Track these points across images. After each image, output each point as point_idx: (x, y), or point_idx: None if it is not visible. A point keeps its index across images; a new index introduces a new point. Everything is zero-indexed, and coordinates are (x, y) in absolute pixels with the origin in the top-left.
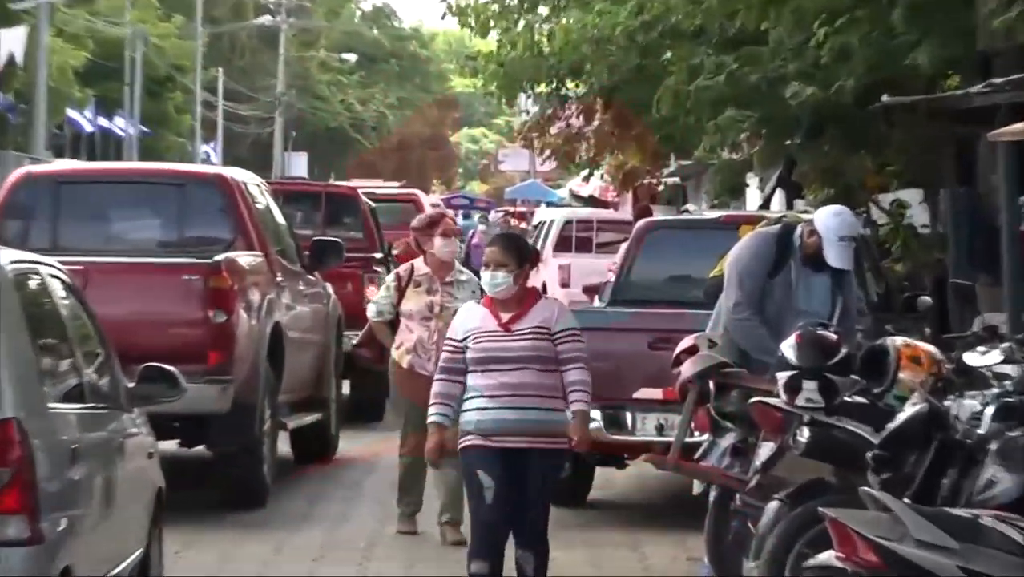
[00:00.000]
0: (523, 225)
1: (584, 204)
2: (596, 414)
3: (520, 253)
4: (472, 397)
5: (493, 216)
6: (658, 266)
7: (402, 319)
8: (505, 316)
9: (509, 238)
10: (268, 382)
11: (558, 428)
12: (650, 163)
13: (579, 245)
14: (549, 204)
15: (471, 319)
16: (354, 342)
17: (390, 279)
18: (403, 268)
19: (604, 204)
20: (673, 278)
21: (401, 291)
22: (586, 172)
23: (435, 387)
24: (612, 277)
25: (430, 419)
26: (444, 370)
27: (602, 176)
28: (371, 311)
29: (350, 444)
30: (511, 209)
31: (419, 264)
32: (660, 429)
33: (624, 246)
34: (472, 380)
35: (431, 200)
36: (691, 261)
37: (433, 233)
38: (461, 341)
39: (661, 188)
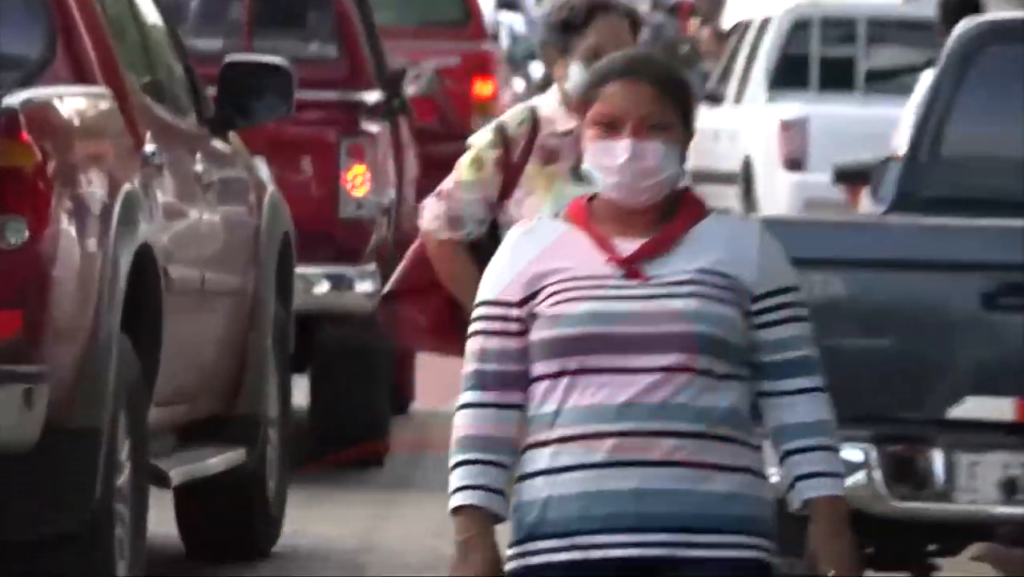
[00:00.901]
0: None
1: None
2: (860, 453)
3: (687, 99)
4: (545, 443)
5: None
6: (1002, 122)
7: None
8: (627, 247)
9: (664, 67)
10: (126, 380)
11: (751, 519)
12: None
13: (828, 76)
14: None
15: (545, 253)
16: (387, 288)
17: (483, 140)
18: (514, 114)
19: None
20: None
21: (510, 169)
22: None
23: (464, 419)
24: (899, 149)
25: (457, 501)
26: (482, 379)
27: None
28: (432, 217)
29: (315, 520)
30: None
31: (547, 104)
32: (1010, 487)
33: (926, 78)
34: (545, 400)
35: None
36: None
37: (585, 37)
38: (520, 306)
39: None
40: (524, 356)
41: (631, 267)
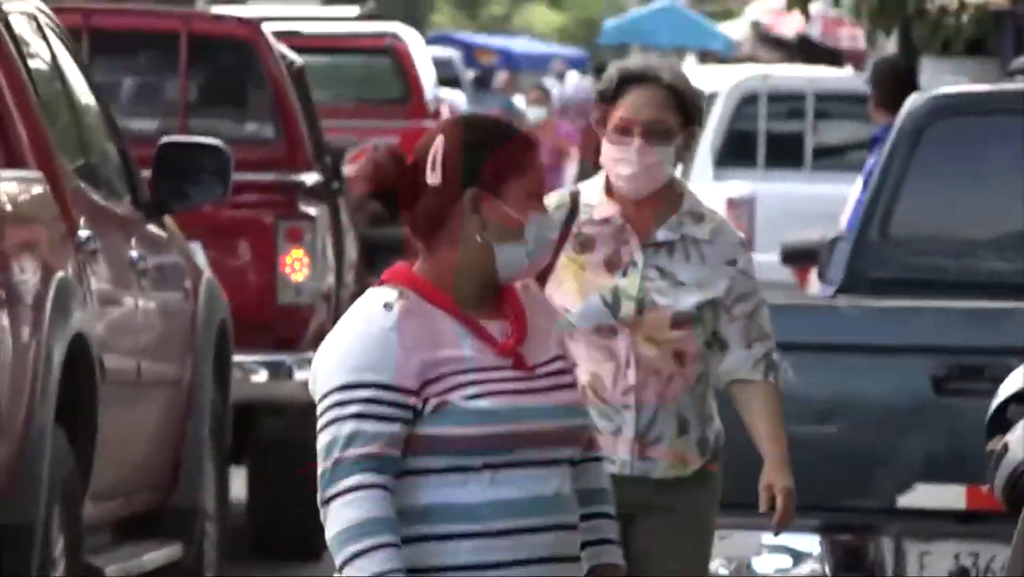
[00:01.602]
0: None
1: (785, 57)
2: (811, 543)
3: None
4: (465, 536)
5: (560, 87)
6: (952, 201)
7: None
8: (491, 329)
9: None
10: (60, 474)
11: None
12: None
13: (775, 152)
14: (705, 57)
15: (425, 338)
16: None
17: None
18: (552, 198)
19: (832, 57)
20: (988, 227)
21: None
22: None
23: (367, 503)
24: (848, 227)
25: None
26: (380, 464)
27: (835, 0)
28: None
29: None
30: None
31: (591, 188)
32: None
33: (875, 157)
34: (458, 492)
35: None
36: None
37: (618, 110)
38: (416, 394)
39: (959, 18)
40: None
41: (516, 356)
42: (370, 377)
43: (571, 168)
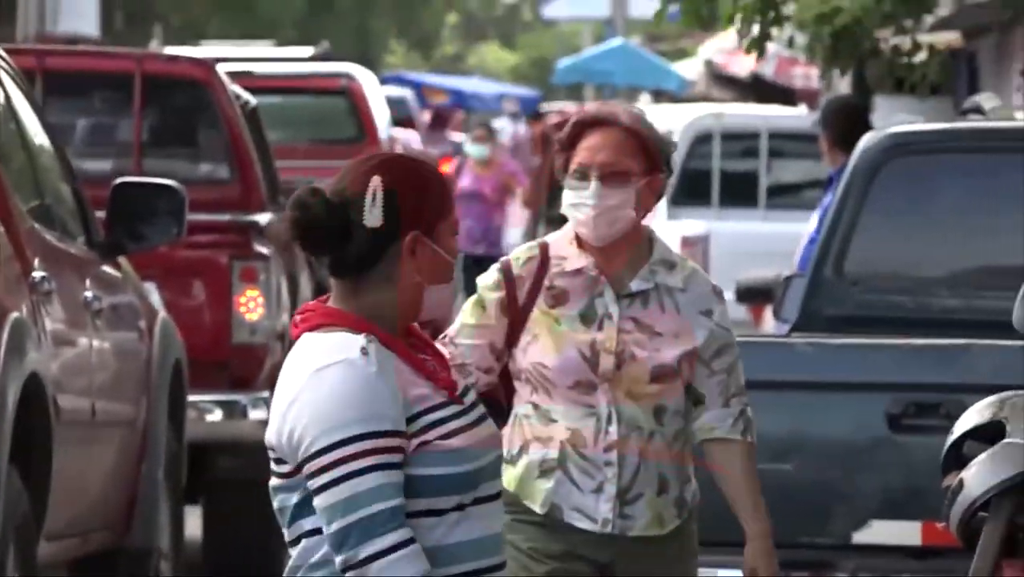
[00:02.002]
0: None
1: (738, 96)
2: None
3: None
4: None
5: (511, 125)
6: (907, 239)
7: (518, 387)
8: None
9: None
10: (14, 514)
11: None
12: (892, 3)
13: (729, 191)
14: (659, 96)
15: (397, 378)
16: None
17: (486, 280)
18: (521, 250)
19: (786, 96)
20: (943, 265)
21: (515, 311)
22: (744, 26)
23: (411, 561)
24: (801, 265)
25: None
26: (398, 516)
27: (790, 42)
28: None
29: None
30: (555, 113)
31: (560, 240)
32: None
33: (831, 196)
34: (427, 535)
35: (385, 89)
36: (986, 226)
37: (576, 155)
38: (406, 434)
39: (917, 59)
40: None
41: (454, 391)
42: (370, 427)
43: (515, 206)
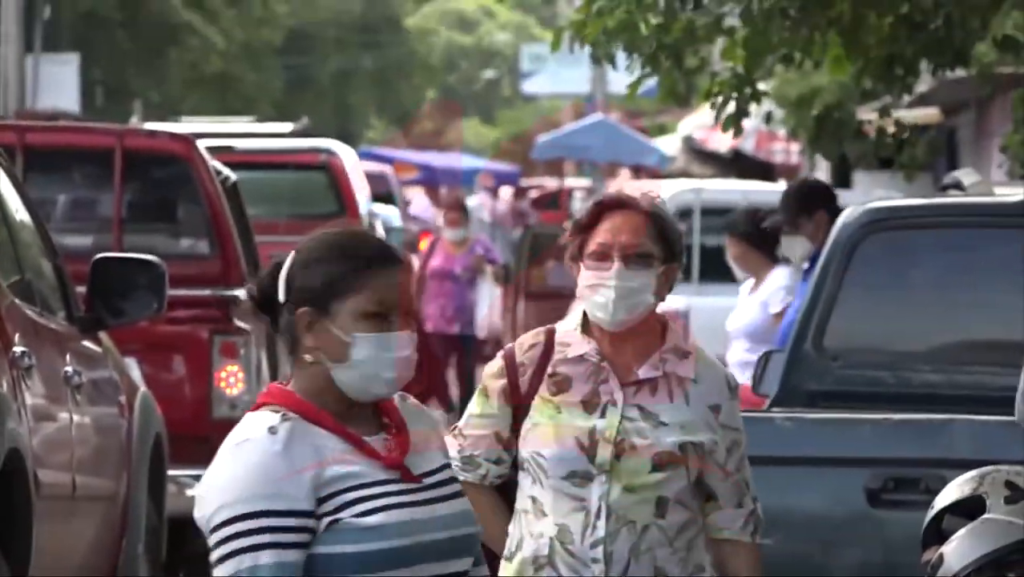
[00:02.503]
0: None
1: (718, 171)
2: None
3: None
4: None
5: (485, 200)
6: (887, 314)
7: (520, 479)
8: (373, 444)
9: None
10: None
11: None
12: (874, 78)
13: (709, 266)
14: (639, 172)
15: (311, 456)
16: None
17: (491, 368)
18: (526, 337)
19: (766, 171)
20: (923, 340)
21: (518, 401)
22: (723, 101)
23: None
24: (783, 338)
25: None
26: None
27: (767, 118)
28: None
29: None
30: (535, 189)
31: (566, 325)
32: None
33: (812, 268)
34: None
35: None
36: (967, 301)
37: (595, 237)
38: (312, 514)
39: (903, 138)
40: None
41: (403, 469)
42: (268, 505)
43: (485, 286)
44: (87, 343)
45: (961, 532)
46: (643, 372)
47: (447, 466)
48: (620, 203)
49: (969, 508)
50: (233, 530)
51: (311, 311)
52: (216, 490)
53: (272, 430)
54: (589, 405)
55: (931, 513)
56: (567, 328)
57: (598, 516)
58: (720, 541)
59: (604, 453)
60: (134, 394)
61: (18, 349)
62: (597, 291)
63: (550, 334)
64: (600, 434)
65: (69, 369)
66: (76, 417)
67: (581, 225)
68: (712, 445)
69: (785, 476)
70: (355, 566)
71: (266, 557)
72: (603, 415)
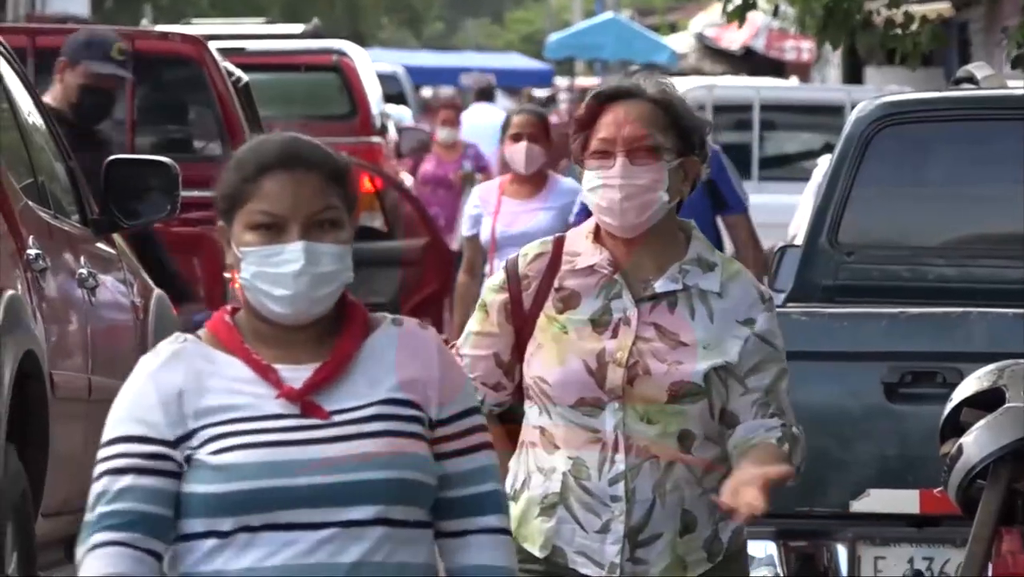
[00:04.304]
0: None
1: (730, 69)
2: (764, 549)
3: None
4: None
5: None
6: (901, 208)
7: (526, 408)
8: (294, 375)
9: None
10: (12, 492)
11: None
12: None
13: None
14: (650, 70)
15: (194, 385)
16: None
17: (492, 280)
18: (531, 246)
19: (777, 68)
20: (937, 233)
21: (521, 319)
22: (733, 0)
23: (102, 561)
24: (796, 235)
25: None
26: (126, 519)
27: (775, 11)
28: None
29: None
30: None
31: (576, 237)
32: None
33: (822, 166)
34: (211, 559)
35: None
36: (980, 195)
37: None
38: (175, 446)
39: (910, 30)
40: (173, 502)
41: (307, 402)
42: (128, 430)
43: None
44: (101, 245)
45: (980, 423)
46: (660, 285)
47: (393, 402)
48: (622, 93)
49: (988, 400)
50: (102, 453)
51: (222, 226)
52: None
53: (156, 353)
54: (599, 323)
55: (949, 406)
56: (576, 236)
57: (616, 448)
58: (747, 451)
59: (615, 377)
60: (149, 295)
61: (32, 251)
62: (601, 193)
63: (559, 243)
64: (610, 356)
65: (83, 271)
66: (91, 318)
67: (582, 121)
68: (735, 361)
69: (802, 371)
70: (202, 508)
71: (115, 482)
72: (614, 334)
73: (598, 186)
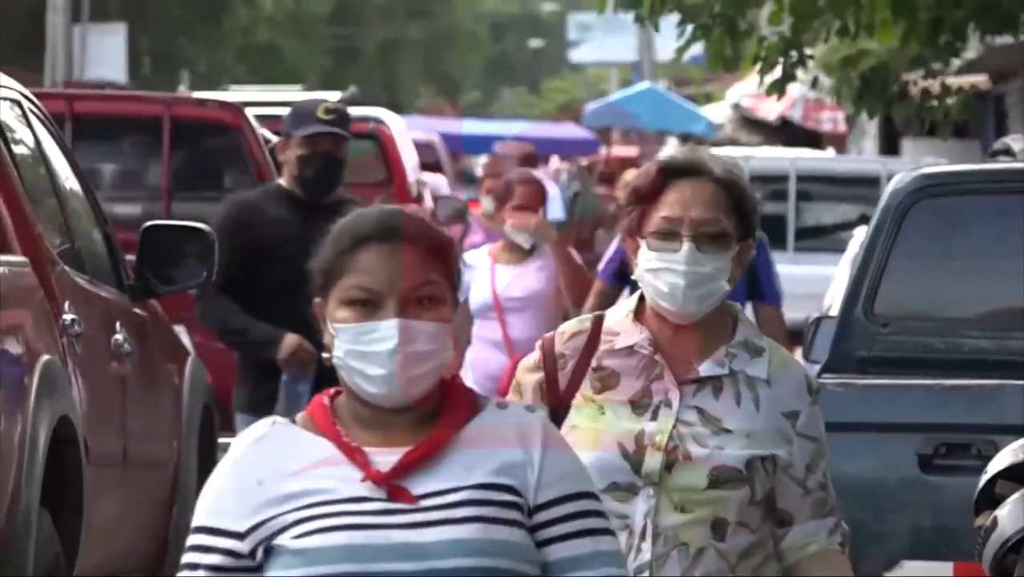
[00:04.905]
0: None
1: (766, 140)
2: None
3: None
4: None
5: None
6: (937, 280)
7: None
8: (386, 460)
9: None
10: (46, 556)
11: None
12: (919, 46)
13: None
14: (686, 140)
15: (280, 470)
16: None
17: (527, 359)
18: (570, 324)
19: (813, 139)
20: (973, 306)
21: (557, 399)
22: (765, 67)
23: None
24: (832, 306)
25: None
26: None
27: (813, 82)
28: None
29: None
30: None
31: (616, 315)
32: None
33: (858, 237)
34: None
35: (413, 133)
36: (1017, 267)
37: (658, 210)
38: (243, 538)
39: (949, 101)
40: None
41: (393, 486)
42: (204, 520)
43: None
44: (137, 311)
45: (1015, 496)
46: (705, 369)
47: (489, 487)
48: (690, 169)
49: (1023, 473)
50: (188, 540)
51: (319, 303)
52: None
53: (242, 439)
54: (638, 405)
55: (984, 478)
56: (617, 314)
57: (643, 537)
58: (808, 559)
59: (652, 462)
60: (183, 361)
61: (68, 316)
62: (662, 276)
63: (597, 321)
64: (649, 439)
65: (119, 337)
66: (126, 385)
67: (641, 193)
68: (788, 459)
69: (837, 443)
70: None
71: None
72: (654, 417)
73: (659, 269)
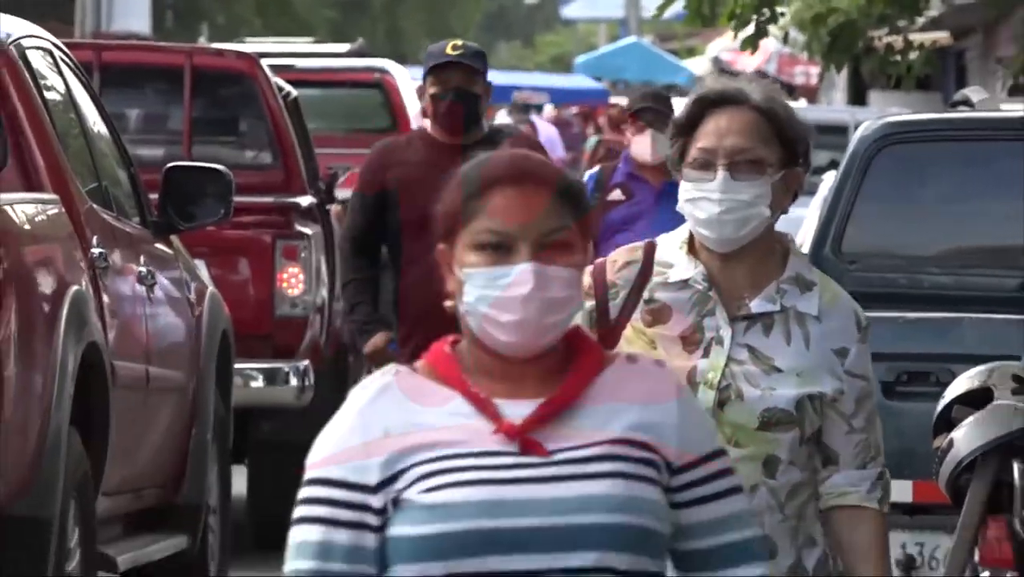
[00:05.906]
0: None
1: None
2: None
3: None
4: None
5: (539, 117)
6: (901, 221)
7: None
8: (516, 411)
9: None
10: (75, 472)
11: None
12: (884, 4)
13: None
14: (670, 91)
15: (407, 421)
16: None
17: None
18: (620, 252)
19: (786, 90)
20: (934, 245)
21: (608, 328)
22: (747, 27)
23: None
24: (802, 245)
25: None
26: None
27: (784, 36)
28: None
29: None
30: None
31: (669, 246)
32: (909, 565)
33: (827, 181)
34: None
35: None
36: (974, 209)
37: (696, 141)
38: (377, 491)
39: (912, 56)
40: (379, 557)
41: (526, 439)
42: (324, 472)
43: None
44: (159, 246)
45: (970, 419)
46: (756, 305)
47: (625, 442)
48: (726, 98)
49: (977, 399)
50: (301, 493)
51: (443, 249)
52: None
53: (364, 388)
54: (689, 341)
55: (942, 403)
56: (670, 245)
57: None
58: (839, 509)
59: (706, 399)
60: (202, 293)
61: (96, 250)
62: (699, 205)
63: (649, 250)
64: (701, 376)
65: (143, 269)
66: (149, 314)
67: (681, 126)
68: (837, 395)
69: None
70: (411, 553)
71: (315, 533)
72: (706, 354)
73: (697, 198)
